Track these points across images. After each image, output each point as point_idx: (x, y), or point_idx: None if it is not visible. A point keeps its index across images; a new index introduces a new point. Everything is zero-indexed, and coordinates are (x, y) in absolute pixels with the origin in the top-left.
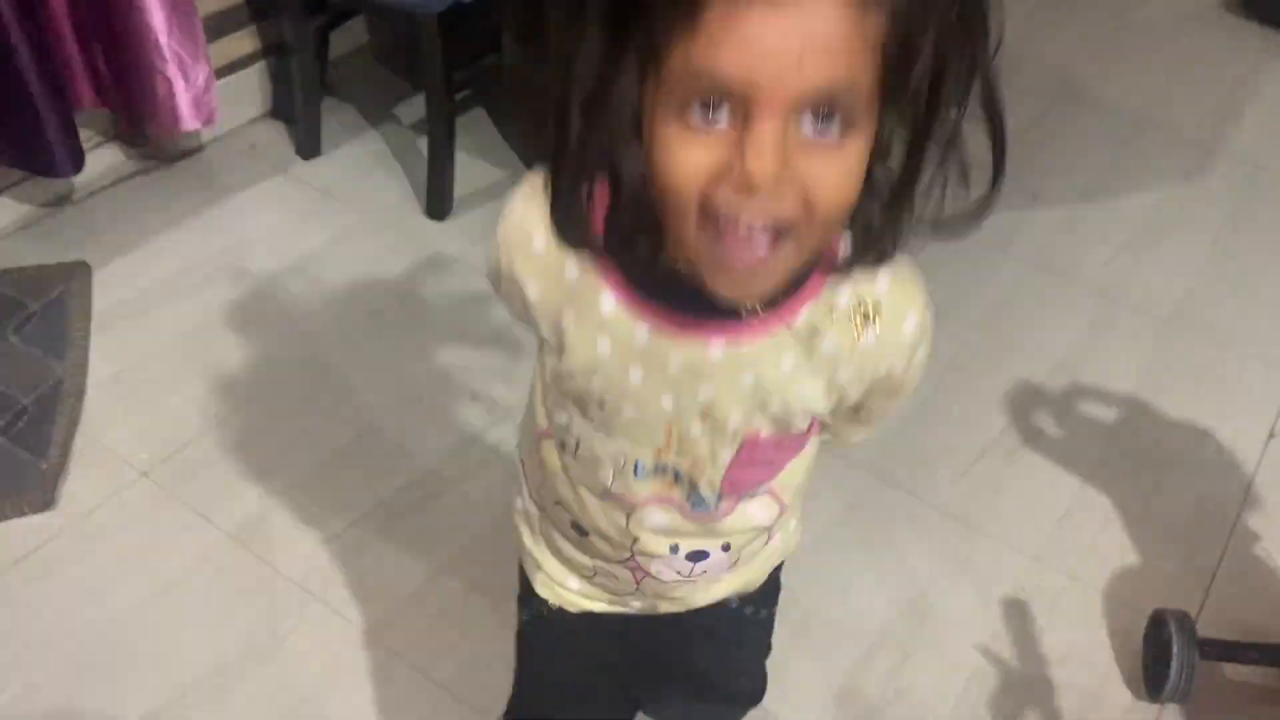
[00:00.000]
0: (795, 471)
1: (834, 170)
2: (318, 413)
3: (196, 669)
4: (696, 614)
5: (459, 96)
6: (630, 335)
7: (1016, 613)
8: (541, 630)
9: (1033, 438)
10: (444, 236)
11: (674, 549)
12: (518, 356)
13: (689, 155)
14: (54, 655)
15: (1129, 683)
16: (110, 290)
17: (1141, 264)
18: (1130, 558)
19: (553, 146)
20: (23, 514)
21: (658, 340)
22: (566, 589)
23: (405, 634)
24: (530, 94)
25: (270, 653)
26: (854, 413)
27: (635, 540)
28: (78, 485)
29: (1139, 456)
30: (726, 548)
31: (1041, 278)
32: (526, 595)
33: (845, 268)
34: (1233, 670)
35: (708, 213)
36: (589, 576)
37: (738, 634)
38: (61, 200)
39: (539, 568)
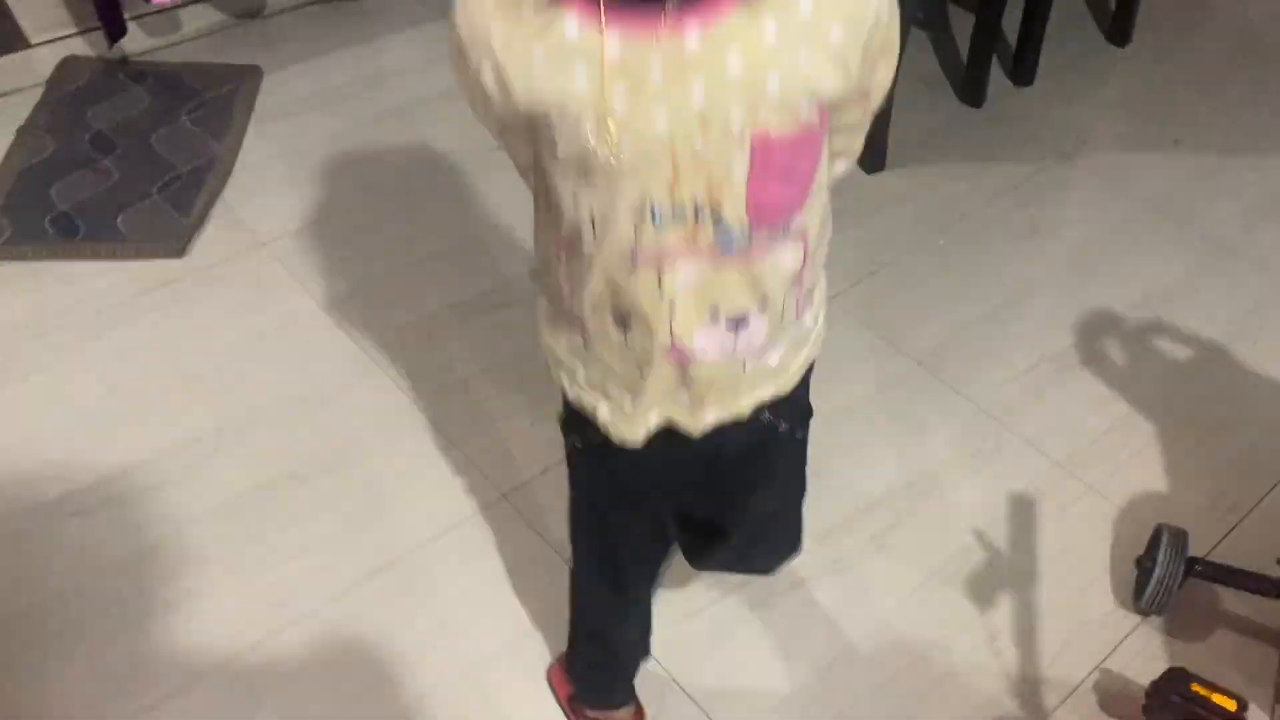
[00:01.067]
0: (813, 210)
1: None
2: (421, 222)
3: (272, 398)
4: (743, 435)
5: None
6: (602, 51)
7: (1022, 507)
8: (591, 459)
9: (1094, 359)
10: None
11: (714, 314)
12: None
13: None
14: (164, 369)
15: (1115, 590)
16: (274, 94)
17: (1265, 226)
18: (1158, 483)
19: None
20: (160, 256)
21: (630, 47)
22: (622, 414)
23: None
24: None
25: (329, 395)
26: (863, 99)
27: (673, 310)
28: (208, 244)
29: (1202, 398)
30: (764, 305)
31: (1154, 219)
32: (577, 424)
33: None
34: (1230, 602)
35: None
36: (640, 381)
37: (782, 454)
38: (250, 14)
39: (597, 403)
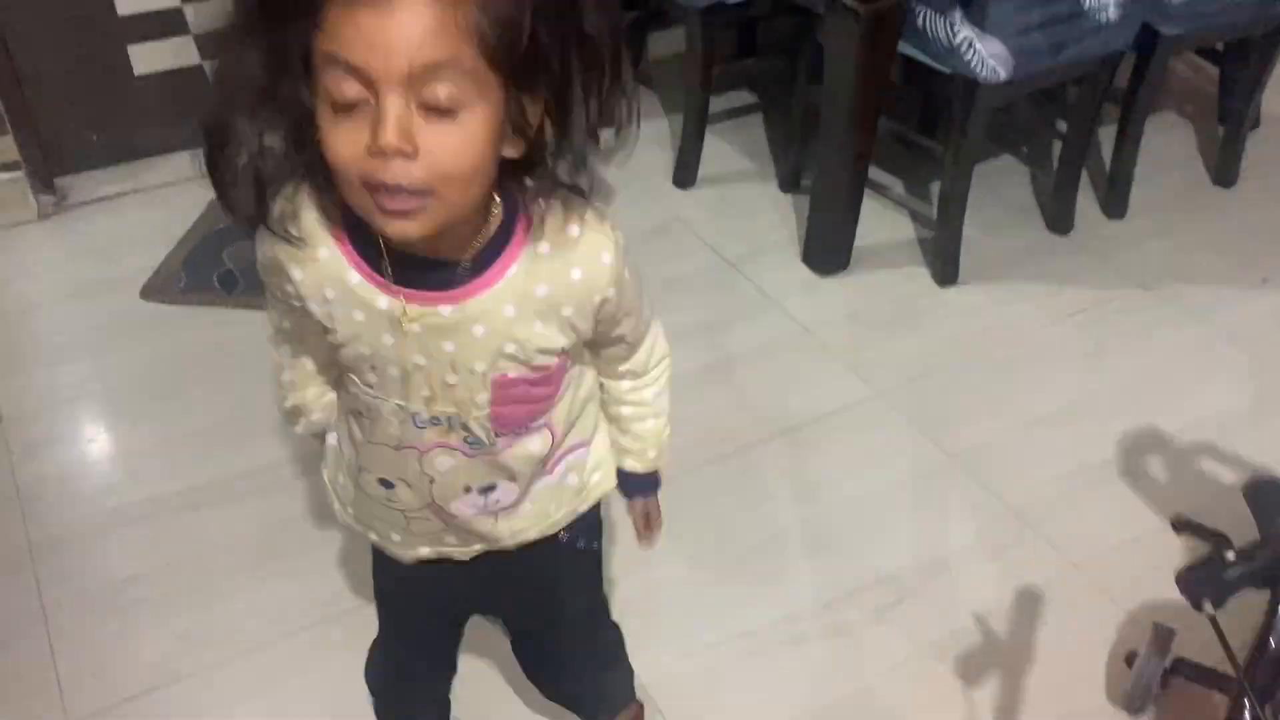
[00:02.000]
0: (564, 408)
1: (451, 139)
2: None
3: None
4: (526, 554)
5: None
6: (375, 305)
7: (1028, 599)
8: (385, 575)
9: (1134, 473)
10: (685, 203)
11: (466, 489)
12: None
13: (341, 137)
14: None
15: (1107, 687)
16: None
17: None
18: (1177, 595)
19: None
20: None
21: (396, 307)
22: (391, 542)
23: None
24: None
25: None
26: (604, 340)
27: (432, 482)
28: None
29: (1241, 520)
30: (513, 478)
31: (1226, 350)
32: (375, 555)
33: (539, 224)
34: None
35: (366, 182)
36: (405, 526)
37: (568, 564)
38: None
39: (368, 531)
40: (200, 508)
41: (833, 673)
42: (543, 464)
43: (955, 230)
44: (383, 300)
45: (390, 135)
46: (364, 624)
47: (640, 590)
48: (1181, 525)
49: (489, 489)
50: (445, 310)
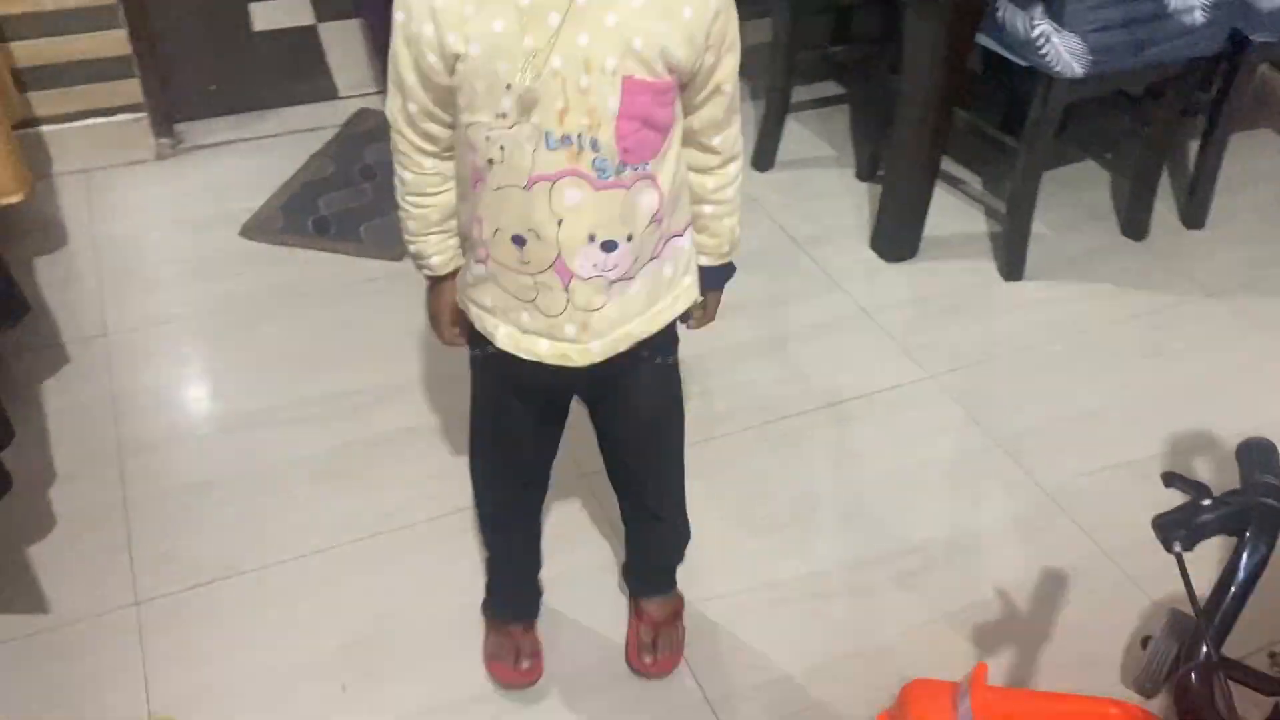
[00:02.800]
0: (667, 164)
1: None
2: None
3: (408, 369)
4: (615, 368)
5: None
6: (519, 2)
7: (1055, 582)
8: (491, 363)
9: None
10: (761, 184)
11: (590, 237)
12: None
13: None
14: (388, 335)
15: (1123, 669)
16: None
17: None
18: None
19: None
20: (382, 258)
21: (536, 2)
22: (520, 327)
23: None
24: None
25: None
26: (703, 87)
27: (560, 224)
28: None
29: None
30: (629, 238)
31: None
32: (479, 340)
33: None
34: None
35: None
36: (531, 300)
37: (651, 379)
38: None
39: (498, 325)
40: (276, 425)
41: (851, 629)
42: (654, 226)
43: (1024, 224)
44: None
45: None
46: (418, 538)
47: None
48: (1170, 479)
49: (610, 245)
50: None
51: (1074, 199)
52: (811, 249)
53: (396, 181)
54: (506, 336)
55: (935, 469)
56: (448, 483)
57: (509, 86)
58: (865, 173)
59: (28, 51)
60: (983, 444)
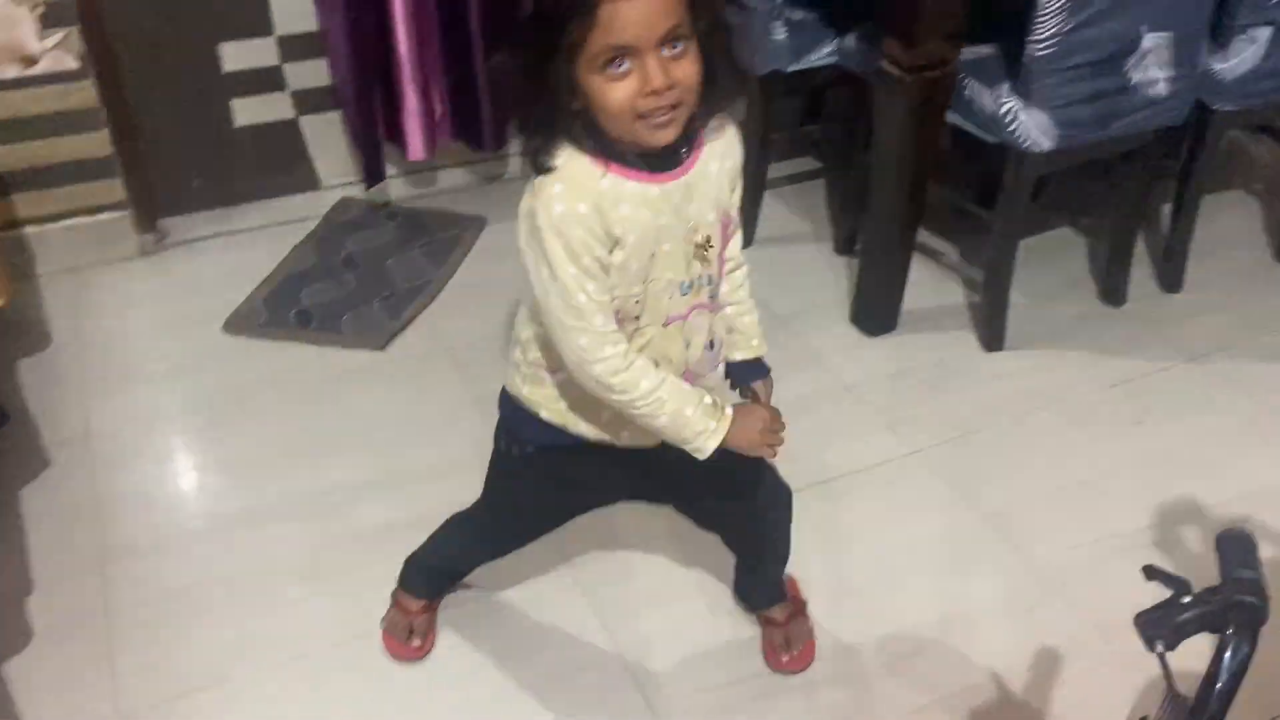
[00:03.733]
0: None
1: (686, 68)
2: None
3: (408, 460)
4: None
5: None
6: (648, 194)
7: (1048, 662)
8: (538, 461)
9: (1167, 543)
10: None
11: (709, 344)
12: None
13: (617, 90)
14: (340, 427)
15: None
16: (492, 240)
17: None
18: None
19: (552, 123)
20: (364, 349)
21: (661, 189)
22: (601, 424)
23: None
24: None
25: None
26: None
27: (688, 346)
28: (414, 343)
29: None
30: (714, 344)
31: (1277, 427)
32: (535, 432)
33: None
34: None
35: (638, 115)
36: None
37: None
38: (492, 178)
39: (579, 424)
40: (260, 525)
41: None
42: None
43: (1001, 296)
44: (653, 189)
45: (658, 79)
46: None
47: (660, 625)
48: (1151, 573)
49: (714, 343)
50: (684, 178)
51: (1051, 267)
52: (792, 324)
53: (621, 398)
54: (588, 430)
55: (924, 547)
56: None
57: (652, 255)
58: (843, 247)
59: (11, 155)
60: (970, 520)
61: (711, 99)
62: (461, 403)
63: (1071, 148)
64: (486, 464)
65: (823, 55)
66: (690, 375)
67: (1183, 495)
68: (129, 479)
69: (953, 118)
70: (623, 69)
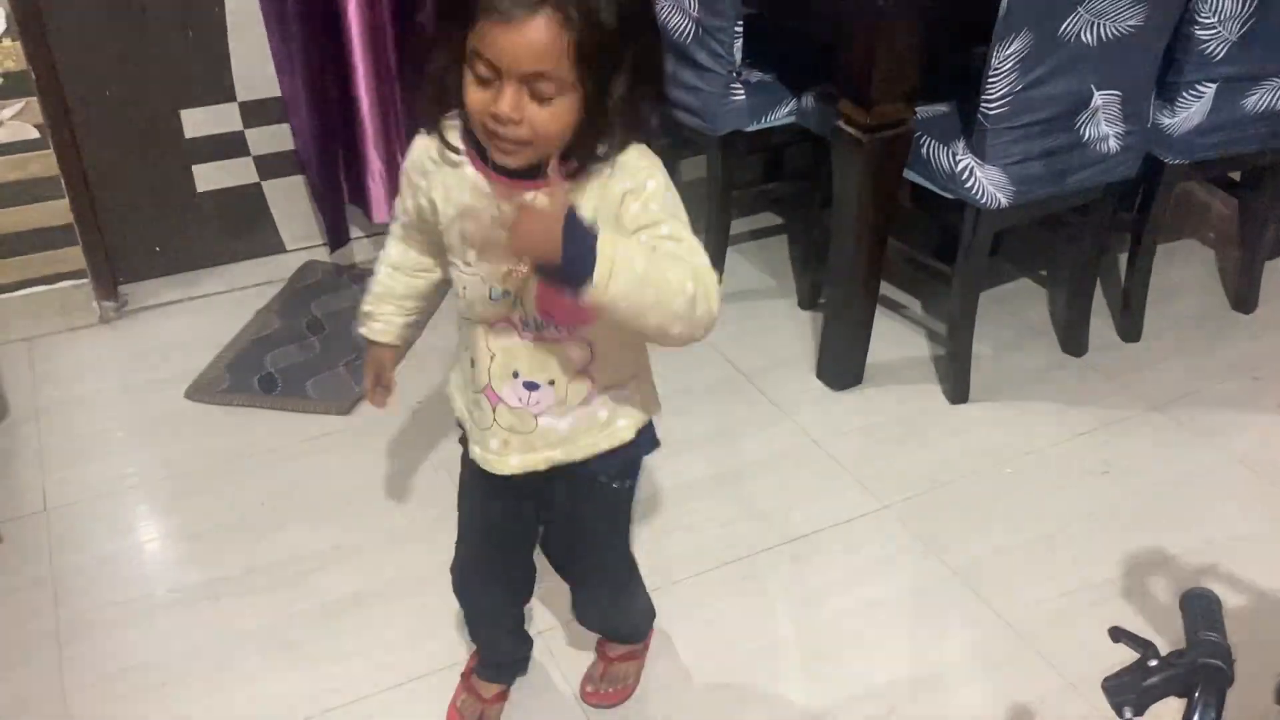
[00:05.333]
0: (603, 330)
1: (547, 116)
2: None
3: (367, 527)
4: (568, 481)
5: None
6: (481, 187)
7: (1022, 716)
8: (468, 474)
9: (1136, 594)
10: None
11: (515, 374)
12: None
13: (476, 95)
14: (311, 493)
15: None
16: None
17: None
18: None
19: (432, 102)
20: (330, 414)
21: (496, 189)
22: (476, 428)
23: None
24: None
25: (413, 529)
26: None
27: (491, 359)
28: (372, 411)
29: (1246, 645)
30: (551, 383)
31: (1240, 473)
32: (463, 461)
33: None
34: None
35: (486, 128)
36: (471, 411)
37: (595, 496)
38: None
39: (463, 430)
40: (221, 598)
41: None
42: (581, 378)
43: (965, 349)
44: (484, 184)
45: (505, 108)
46: (369, 714)
47: (636, 687)
48: (1117, 635)
49: (531, 385)
50: (528, 195)
51: (1012, 318)
52: (758, 380)
53: (380, 255)
54: (468, 428)
55: (895, 604)
56: (399, 653)
57: (467, 244)
58: (807, 301)
59: None
60: (940, 575)
61: (585, 155)
62: (428, 465)
63: (1027, 203)
64: (454, 528)
65: (781, 115)
66: (493, 395)
67: (1150, 545)
68: (87, 553)
69: (911, 175)
70: (486, 78)
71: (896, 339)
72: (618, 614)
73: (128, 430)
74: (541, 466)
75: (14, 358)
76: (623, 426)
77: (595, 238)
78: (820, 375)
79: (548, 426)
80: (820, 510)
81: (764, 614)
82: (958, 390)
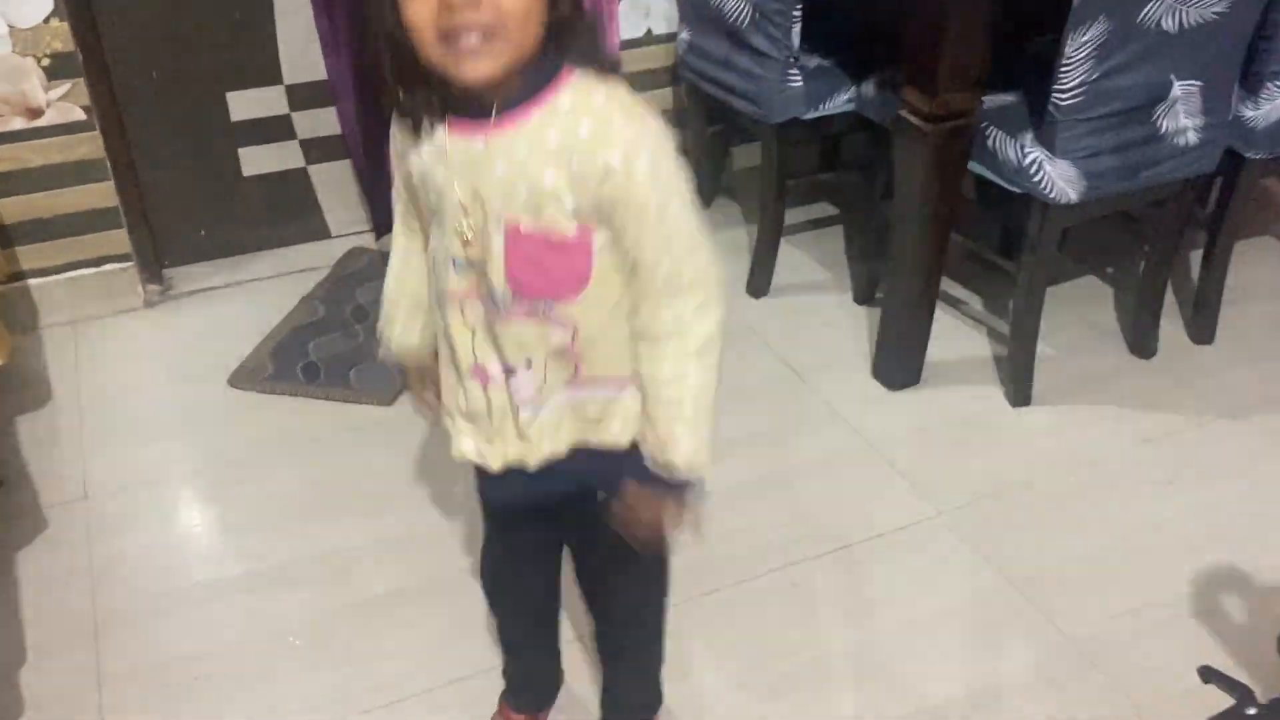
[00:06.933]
0: (590, 309)
1: None
2: None
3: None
4: (567, 494)
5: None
6: (437, 141)
7: None
8: (479, 480)
9: (1207, 614)
10: (757, 311)
11: (497, 354)
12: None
13: (417, 6)
14: (346, 484)
15: None
16: None
17: None
18: None
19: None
20: (372, 404)
21: (451, 140)
22: (459, 429)
23: None
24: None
25: (431, 528)
26: (619, 245)
27: (474, 336)
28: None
29: None
30: (529, 365)
31: None
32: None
33: (568, 84)
34: None
35: (441, 34)
36: (459, 398)
37: (588, 511)
38: None
39: (451, 430)
40: (262, 591)
41: None
42: (560, 360)
43: (1028, 350)
44: (442, 135)
45: None
46: (410, 714)
47: (681, 700)
48: (1208, 675)
49: (510, 371)
50: (479, 142)
51: (1078, 317)
52: (812, 378)
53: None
54: (455, 441)
55: (952, 617)
56: (444, 650)
57: (435, 212)
58: (863, 296)
59: (14, 207)
60: (999, 587)
61: (560, 45)
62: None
63: (1098, 198)
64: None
65: (839, 103)
66: (482, 372)
67: (1222, 562)
68: (127, 541)
69: (975, 168)
70: None
71: (955, 337)
72: (636, 685)
73: (170, 418)
74: (531, 460)
75: (59, 341)
76: (616, 431)
77: (678, 466)
78: (876, 374)
79: (529, 417)
80: (874, 516)
81: (814, 625)
82: (1020, 393)
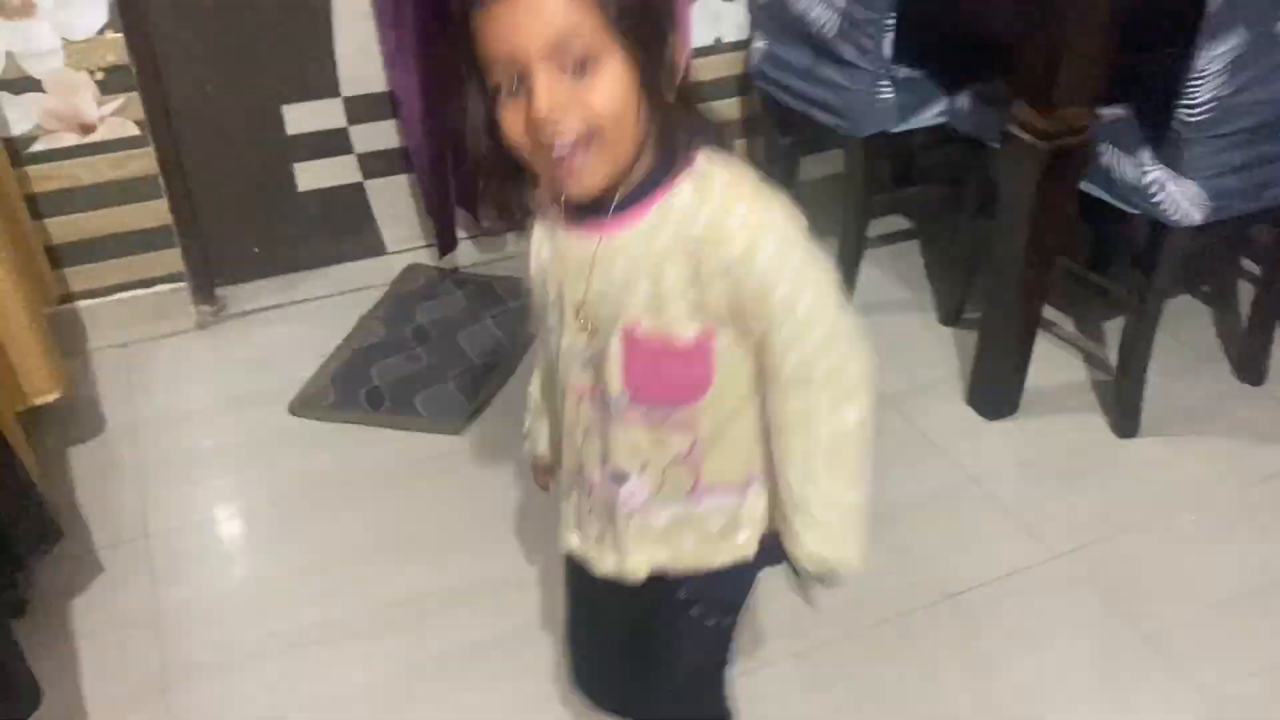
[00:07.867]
0: (712, 413)
1: (597, 90)
2: None
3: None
4: (647, 591)
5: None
6: (557, 239)
7: None
8: (568, 567)
9: None
10: None
11: (604, 459)
12: None
13: (511, 115)
14: (421, 524)
15: None
16: None
17: None
18: None
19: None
20: (441, 433)
21: (569, 241)
22: (564, 522)
23: None
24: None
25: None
26: (745, 340)
27: (585, 436)
28: (494, 425)
29: None
30: (642, 470)
31: None
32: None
33: (673, 173)
34: None
35: (539, 147)
36: (569, 490)
37: (672, 622)
38: None
39: (560, 522)
40: (334, 643)
41: None
42: (680, 467)
43: (1138, 380)
44: (561, 235)
45: (542, 98)
46: None
47: None
48: None
49: (620, 477)
50: (596, 241)
51: (1179, 339)
52: (903, 405)
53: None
54: (562, 533)
55: (1077, 674)
56: (521, 714)
57: (555, 301)
58: (950, 317)
59: (64, 228)
60: (1127, 640)
61: (667, 153)
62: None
63: (1222, 219)
64: None
65: (931, 115)
66: (586, 480)
67: None
68: (190, 586)
69: (1087, 186)
70: (512, 86)
71: (1051, 361)
72: None
73: (230, 449)
74: (643, 571)
75: (110, 365)
76: (744, 540)
77: (803, 565)
78: (971, 402)
79: (641, 525)
80: (984, 560)
81: (924, 682)
82: (1126, 423)
